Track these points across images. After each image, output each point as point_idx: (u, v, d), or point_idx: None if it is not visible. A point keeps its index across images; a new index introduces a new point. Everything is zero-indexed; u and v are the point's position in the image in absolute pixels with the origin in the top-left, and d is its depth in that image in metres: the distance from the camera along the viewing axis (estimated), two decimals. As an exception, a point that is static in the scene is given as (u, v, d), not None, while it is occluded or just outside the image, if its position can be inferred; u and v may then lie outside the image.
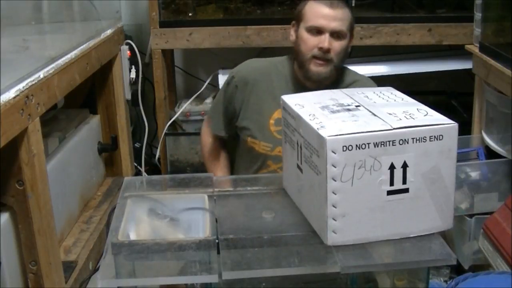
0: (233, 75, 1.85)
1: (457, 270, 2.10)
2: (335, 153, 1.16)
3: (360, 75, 1.89)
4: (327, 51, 1.69)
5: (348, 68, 1.88)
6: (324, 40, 1.68)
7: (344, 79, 1.82)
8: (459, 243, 2.02)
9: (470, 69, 2.22)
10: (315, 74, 1.72)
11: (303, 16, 1.74)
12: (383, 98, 1.36)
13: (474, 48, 2.15)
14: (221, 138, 1.94)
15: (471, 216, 1.96)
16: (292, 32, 1.80)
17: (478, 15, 2.13)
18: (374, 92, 1.40)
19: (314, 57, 1.70)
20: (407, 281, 1.35)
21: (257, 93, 1.80)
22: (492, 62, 1.97)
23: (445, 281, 2.12)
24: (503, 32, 2.02)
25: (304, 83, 1.78)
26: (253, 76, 1.81)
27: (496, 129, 2.05)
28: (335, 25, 1.68)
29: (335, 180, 1.18)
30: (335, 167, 1.17)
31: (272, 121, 1.78)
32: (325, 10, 1.69)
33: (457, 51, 2.47)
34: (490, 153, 2.06)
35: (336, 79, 1.80)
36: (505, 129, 1.97)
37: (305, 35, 1.72)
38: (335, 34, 1.69)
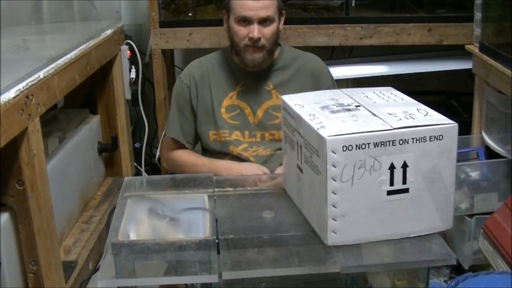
0: (181, 79, 1.90)
1: (457, 270, 2.10)
2: (335, 153, 1.16)
3: (301, 51, 1.94)
4: (258, 39, 1.74)
5: (286, 46, 1.93)
6: (254, 30, 1.73)
7: (283, 56, 1.88)
8: (459, 243, 2.02)
9: (470, 69, 2.22)
10: (250, 61, 1.78)
11: (231, 8, 1.79)
12: (383, 98, 1.36)
13: (474, 48, 2.15)
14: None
15: (471, 216, 1.96)
16: (224, 22, 1.85)
17: (478, 15, 2.13)
18: (374, 92, 1.40)
19: (247, 46, 1.76)
20: (407, 281, 1.35)
21: (205, 87, 1.86)
22: (492, 62, 1.97)
23: (445, 281, 2.12)
24: (503, 32, 2.02)
25: (244, 68, 1.84)
26: (198, 73, 1.87)
27: (496, 129, 2.05)
28: (261, 14, 1.73)
29: (335, 180, 1.18)
30: (335, 167, 1.17)
31: (223, 110, 1.85)
32: (249, 1, 1.72)
33: (457, 51, 2.47)
34: (490, 153, 2.06)
35: (273, 59, 1.86)
36: (505, 129, 1.96)
37: (235, 26, 1.77)
38: (263, 21, 1.74)
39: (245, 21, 1.74)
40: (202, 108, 1.86)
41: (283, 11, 1.84)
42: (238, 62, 1.84)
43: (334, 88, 1.90)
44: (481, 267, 1.92)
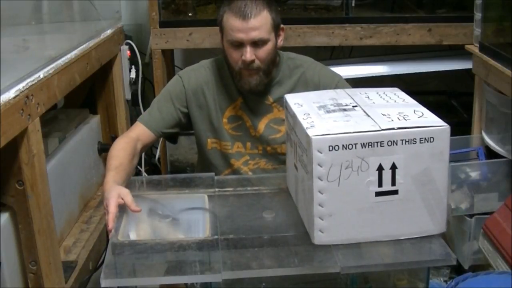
0: (180, 77, 1.83)
1: (457, 270, 2.10)
2: (321, 153, 1.16)
3: (299, 60, 1.83)
4: (252, 62, 1.66)
5: (284, 57, 1.81)
6: (246, 53, 1.65)
7: (282, 69, 1.79)
8: (459, 243, 2.02)
9: (470, 69, 2.22)
10: (246, 84, 1.71)
11: (223, 29, 1.71)
12: (383, 99, 1.36)
13: (474, 48, 2.15)
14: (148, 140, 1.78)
15: (471, 216, 1.96)
16: (220, 41, 1.77)
17: (478, 15, 2.13)
18: (377, 93, 1.40)
19: (241, 69, 1.69)
20: (407, 281, 1.35)
21: (206, 95, 1.79)
22: (492, 62, 1.97)
23: (445, 281, 2.12)
24: (503, 32, 2.02)
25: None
26: (199, 80, 1.80)
27: (496, 129, 2.05)
28: (252, 35, 1.64)
29: (321, 180, 1.18)
30: (321, 166, 1.17)
31: (225, 120, 1.79)
32: (238, 23, 1.63)
33: (457, 51, 2.47)
34: (490, 153, 2.06)
35: (272, 73, 1.76)
36: (505, 129, 1.97)
37: (228, 49, 1.70)
38: (256, 43, 1.66)
39: (237, 44, 1.66)
40: (202, 115, 1.80)
41: (282, 26, 1.74)
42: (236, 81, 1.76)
43: (343, 85, 1.80)
44: (481, 267, 1.92)
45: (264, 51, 1.67)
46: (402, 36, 2.43)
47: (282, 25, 1.75)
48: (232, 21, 1.65)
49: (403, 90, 1.42)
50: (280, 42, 1.75)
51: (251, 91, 1.74)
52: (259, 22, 1.64)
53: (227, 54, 1.72)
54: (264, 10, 1.66)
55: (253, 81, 1.70)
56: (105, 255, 1.28)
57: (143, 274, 1.23)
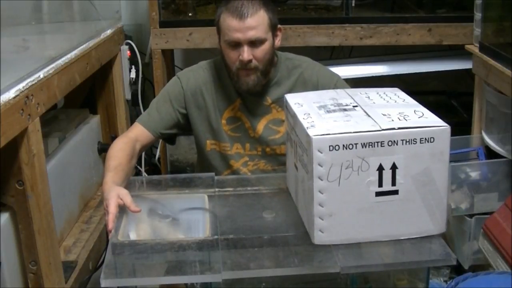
0: (179, 78, 1.83)
1: (457, 270, 2.11)
2: (321, 153, 1.16)
3: (298, 60, 1.82)
4: (249, 61, 1.65)
5: (283, 57, 1.81)
6: (243, 52, 1.64)
7: (280, 69, 1.78)
8: (459, 243, 2.02)
9: (470, 69, 2.22)
10: (244, 84, 1.70)
11: (220, 29, 1.71)
12: (384, 99, 1.36)
13: (474, 48, 2.15)
14: (147, 141, 1.77)
15: (471, 216, 1.96)
16: (217, 41, 1.77)
17: (478, 15, 2.13)
18: (377, 93, 1.40)
19: (239, 69, 1.68)
20: (407, 281, 1.35)
21: (205, 97, 1.79)
22: (492, 62, 1.97)
23: (445, 281, 2.12)
24: (503, 32, 2.02)
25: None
26: (198, 81, 1.80)
27: (496, 129, 2.05)
28: (249, 35, 1.64)
29: (321, 180, 1.18)
30: (321, 166, 1.17)
31: (224, 121, 1.79)
32: (235, 23, 1.63)
33: (457, 51, 2.48)
34: (490, 153, 2.06)
35: (270, 74, 1.76)
36: (505, 129, 1.97)
37: (226, 49, 1.69)
38: (253, 42, 1.65)
39: (235, 44, 1.66)
40: (200, 116, 1.79)
41: (279, 26, 1.74)
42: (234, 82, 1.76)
43: (341, 85, 1.79)
44: (481, 267, 1.92)
45: (262, 51, 1.67)
46: (402, 36, 2.43)
47: (279, 26, 1.75)
48: (229, 21, 1.65)
49: (403, 90, 1.42)
50: (278, 42, 1.75)
51: (249, 92, 1.74)
52: (256, 22, 1.64)
53: (224, 55, 1.72)
54: (261, 10, 1.66)
55: (250, 81, 1.70)
56: (105, 255, 1.28)
57: (143, 274, 1.23)
